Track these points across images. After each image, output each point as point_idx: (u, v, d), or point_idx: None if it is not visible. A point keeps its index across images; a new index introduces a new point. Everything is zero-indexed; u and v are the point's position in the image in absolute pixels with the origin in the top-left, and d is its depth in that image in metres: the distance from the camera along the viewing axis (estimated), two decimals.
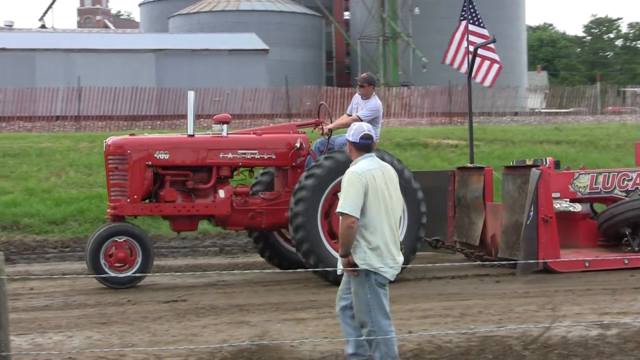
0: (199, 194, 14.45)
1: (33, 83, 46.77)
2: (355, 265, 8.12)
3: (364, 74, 14.98)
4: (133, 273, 13.84)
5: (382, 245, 8.14)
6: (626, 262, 14.64)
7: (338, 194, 8.68)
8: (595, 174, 15.41)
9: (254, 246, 15.73)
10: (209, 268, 15.79)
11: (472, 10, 17.72)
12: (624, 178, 15.45)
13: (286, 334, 10.43)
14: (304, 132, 14.97)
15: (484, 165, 16.09)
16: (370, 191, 8.08)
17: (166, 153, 14.27)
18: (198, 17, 64.75)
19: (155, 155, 14.23)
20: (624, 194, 15.31)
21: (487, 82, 17.87)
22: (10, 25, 69.96)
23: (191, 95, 14.78)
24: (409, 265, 13.45)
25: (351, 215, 7.96)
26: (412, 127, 40.72)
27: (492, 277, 14.30)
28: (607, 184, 15.34)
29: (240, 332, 10.63)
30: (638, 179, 15.49)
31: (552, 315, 11.31)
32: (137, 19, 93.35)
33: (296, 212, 13.60)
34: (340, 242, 8.18)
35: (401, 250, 8.40)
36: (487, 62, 17.54)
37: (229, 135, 14.64)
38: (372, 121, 14.20)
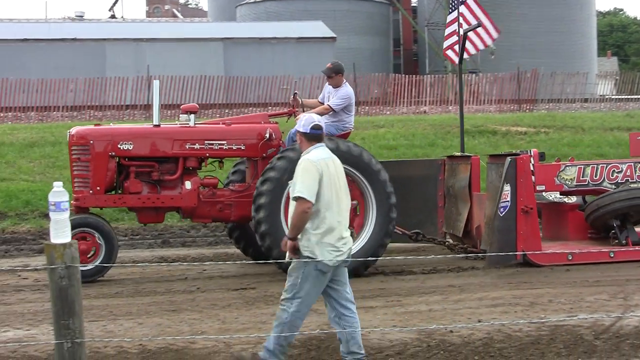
0: (165, 185, 14.20)
1: (103, 73, 47.16)
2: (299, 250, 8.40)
3: (329, 64, 14.54)
4: (96, 265, 13.65)
5: (330, 232, 8.37)
6: (612, 255, 14.24)
7: (290, 182, 8.65)
8: (582, 166, 15.00)
9: (229, 236, 15.53)
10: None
11: None
12: (614, 170, 15.01)
13: None
14: (276, 123, 14.61)
15: (471, 154, 15.69)
16: (325, 179, 8.36)
17: (130, 143, 14.03)
18: (265, 5, 64.75)
19: (118, 146, 14.01)
20: (613, 186, 14.89)
21: (493, 35, 17.97)
22: (81, 16, 70.54)
23: (156, 84, 14.60)
24: (380, 258, 13.47)
25: (308, 200, 8.22)
26: (480, 114, 40.49)
27: (562, 265, 14.06)
28: (596, 176, 14.93)
29: (309, 320, 10.51)
30: (629, 170, 15.04)
31: (624, 305, 11.15)
32: (205, 8, 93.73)
33: (258, 219, 13.32)
34: (292, 226, 8.40)
35: (352, 236, 8.73)
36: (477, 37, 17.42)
37: (196, 125, 14.39)
38: (345, 109, 14.28)
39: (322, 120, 8.86)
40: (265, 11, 63.54)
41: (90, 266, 13.58)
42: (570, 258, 14.09)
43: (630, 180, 14.97)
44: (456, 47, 17.73)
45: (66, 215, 6.44)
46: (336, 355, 9.08)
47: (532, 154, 14.68)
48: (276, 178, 13.19)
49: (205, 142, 14.11)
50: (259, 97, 45.02)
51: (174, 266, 14.52)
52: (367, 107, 44.41)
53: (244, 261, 14.95)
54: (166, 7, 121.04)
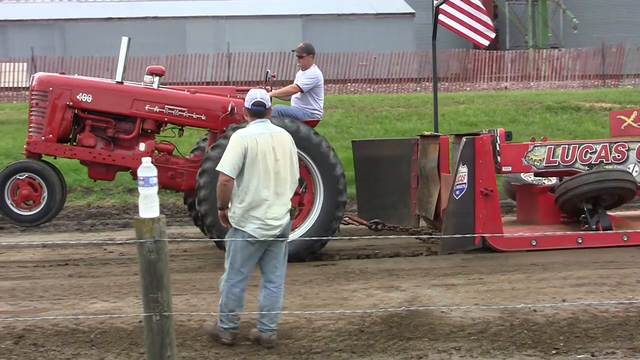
0: (119, 144, 13.96)
1: (184, 50, 47.52)
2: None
3: (301, 44, 14.44)
4: (38, 211, 13.63)
5: (254, 206, 8.61)
6: (580, 241, 13.60)
7: None
8: (553, 146, 14.25)
9: (188, 213, 15.26)
10: (356, 232, 15.59)
11: None
12: (587, 150, 14.22)
13: (436, 300, 10.36)
14: (242, 98, 14.40)
15: (440, 134, 15.09)
16: (250, 153, 8.58)
17: (89, 96, 13.79)
18: None
19: (77, 97, 13.77)
20: (586, 168, 14.18)
21: (489, 36, 16.88)
22: None
23: (124, 41, 14.36)
24: (327, 239, 13.23)
25: (225, 173, 8.55)
26: (563, 90, 40.03)
27: (525, 251, 13.57)
28: (567, 157, 14.16)
29: (390, 297, 10.60)
30: (603, 151, 14.25)
31: None
32: None
33: (201, 184, 13.03)
34: (217, 196, 8.76)
35: (292, 214, 8.98)
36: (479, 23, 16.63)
37: (159, 88, 14.14)
38: (313, 93, 14.01)
39: (267, 97, 9.02)
40: None
41: (33, 211, 13.63)
42: (535, 243, 13.54)
43: (604, 162, 14.25)
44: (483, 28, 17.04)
45: (155, 190, 6.52)
46: (417, 332, 9.08)
47: (497, 133, 14.16)
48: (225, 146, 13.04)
49: (166, 106, 13.85)
50: (337, 73, 44.98)
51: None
52: (446, 84, 44.16)
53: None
54: None
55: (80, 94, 13.76)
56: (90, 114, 13.87)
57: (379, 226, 14.74)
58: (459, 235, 12.76)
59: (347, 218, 14.78)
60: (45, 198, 13.61)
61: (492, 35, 16.82)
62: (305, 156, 13.16)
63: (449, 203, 13.16)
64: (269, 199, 8.64)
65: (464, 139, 13.36)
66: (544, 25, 59.76)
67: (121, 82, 14.04)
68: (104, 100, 13.82)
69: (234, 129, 12.46)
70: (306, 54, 14.12)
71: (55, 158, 14.12)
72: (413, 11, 54.48)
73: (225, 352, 8.66)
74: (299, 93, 13.95)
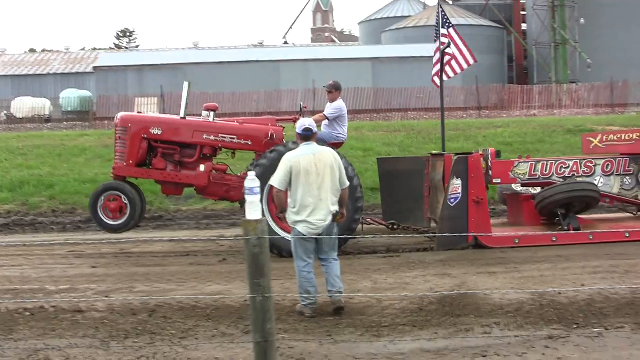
0: (184, 166, 14.11)
1: (278, 86, 47.90)
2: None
3: (330, 82, 14.19)
4: (122, 221, 13.88)
5: (302, 210, 8.93)
6: (554, 239, 13.30)
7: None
8: (534, 162, 14.14)
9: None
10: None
11: (444, 17, 16.22)
12: (561, 166, 14.14)
13: (480, 285, 10.26)
14: (282, 127, 14.20)
15: (445, 152, 14.56)
16: (294, 172, 8.92)
17: (159, 129, 14.00)
18: (405, 31, 64.60)
19: (150, 130, 14.01)
20: (561, 179, 14.01)
21: (469, 61, 16.41)
22: (261, 43, 71.65)
23: (185, 85, 14.35)
24: (351, 237, 12.97)
25: (275, 187, 9.05)
26: (580, 117, 39.52)
27: (510, 248, 13.28)
28: (546, 171, 14.06)
29: (444, 282, 10.52)
30: (575, 166, 14.16)
31: None
32: (357, 34, 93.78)
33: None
34: (275, 204, 9.49)
35: (335, 216, 9.04)
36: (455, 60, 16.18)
37: (214, 121, 14.20)
38: (338, 121, 13.90)
39: (313, 124, 9.31)
40: (405, 36, 63.45)
41: (119, 221, 13.92)
42: (517, 241, 13.30)
43: (576, 175, 14.17)
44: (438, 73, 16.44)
45: (258, 197, 6.54)
46: (465, 310, 8.97)
47: (489, 152, 14.07)
48: (265, 165, 12.97)
49: (220, 135, 13.98)
50: (400, 104, 44.95)
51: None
52: (487, 111, 43.80)
53: (391, 235, 14.82)
54: (326, 34, 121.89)
55: (153, 128, 14.04)
56: (161, 144, 14.11)
57: (395, 226, 14.57)
58: (456, 235, 12.72)
59: (369, 219, 14.78)
60: (128, 211, 13.90)
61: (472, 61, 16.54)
62: None
63: (444, 209, 13.07)
64: (312, 205, 8.92)
65: (454, 157, 13.33)
66: (564, 65, 59.39)
67: (184, 118, 14.25)
68: (171, 132, 14.07)
69: (271, 152, 13.02)
70: (334, 90, 14.01)
71: (136, 179, 14.48)
72: None
73: (312, 325, 8.65)
74: (326, 121, 13.92)
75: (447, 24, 16.13)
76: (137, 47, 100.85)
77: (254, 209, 6.30)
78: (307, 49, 65.18)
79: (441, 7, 16.38)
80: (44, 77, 63.33)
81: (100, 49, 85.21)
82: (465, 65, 16.35)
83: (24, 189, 20.51)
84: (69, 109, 48.84)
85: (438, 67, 16.43)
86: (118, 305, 9.47)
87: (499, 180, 14.11)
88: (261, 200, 12.68)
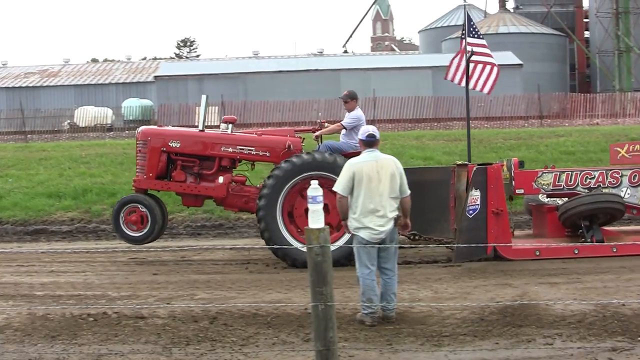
0: (203, 177, 14.16)
1: (338, 95, 47.76)
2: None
3: (345, 92, 14.09)
4: (146, 231, 14.08)
5: (364, 215, 8.96)
6: (576, 252, 13.00)
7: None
8: (558, 173, 13.84)
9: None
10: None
11: (471, 26, 15.59)
12: (587, 176, 13.79)
13: (542, 295, 10.17)
14: (300, 137, 14.11)
15: (468, 163, 14.08)
16: (357, 178, 8.97)
17: (178, 142, 14.11)
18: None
19: (169, 144, 14.12)
20: (586, 190, 13.68)
21: (486, 89, 15.76)
22: (321, 52, 71.85)
23: (203, 98, 14.53)
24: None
25: (338, 193, 9.09)
26: None
27: (531, 260, 13.07)
28: (570, 182, 13.75)
29: (505, 292, 10.45)
30: (600, 177, 13.79)
31: None
32: (417, 42, 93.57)
33: (259, 206, 13.05)
34: (338, 211, 9.33)
35: (396, 221, 9.11)
36: (486, 68, 15.56)
37: (233, 133, 14.26)
38: (356, 128, 13.52)
39: (377, 132, 9.34)
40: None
41: (143, 231, 14.13)
42: (538, 254, 13.10)
43: (602, 186, 13.82)
44: (459, 73, 15.88)
45: (321, 206, 6.59)
46: (527, 320, 8.91)
47: (512, 162, 13.93)
48: (279, 175, 13.02)
49: (238, 147, 14.00)
50: (461, 112, 44.68)
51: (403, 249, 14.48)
52: (549, 120, 43.32)
53: (449, 246, 14.74)
54: (386, 43, 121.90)
55: (172, 141, 14.19)
56: (180, 156, 14.23)
57: (416, 237, 14.54)
58: (473, 245, 12.36)
59: None
60: (149, 223, 14.11)
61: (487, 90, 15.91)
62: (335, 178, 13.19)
63: (462, 220, 12.76)
64: (374, 210, 8.97)
65: (474, 168, 13.09)
66: (628, 73, 58.54)
67: (202, 130, 14.35)
68: (189, 145, 14.20)
69: (285, 162, 13.08)
70: (350, 99, 13.87)
71: (158, 191, 14.61)
72: (521, 62, 53.89)
73: (373, 334, 8.66)
74: (344, 130, 13.83)
75: (475, 34, 15.71)
76: (197, 56, 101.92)
77: (316, 217, 6.35)
78: (367, 57, 65.23)
79: (469, 15, 15.95)
80: (106, 86, 64.32)
81: (161, 59, 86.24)
82: (485, 88, 15.82)
83: (86, 197, 20.83)
84: (131, 118, 49.51)
85: (454, 66, 16.02)
86: (179, 312, 9.57)
87: (521, 191, 13.96)
88: (275, 208, 12.98)
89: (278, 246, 12.79)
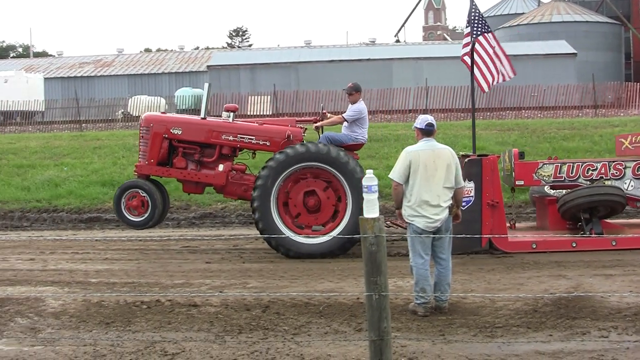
0: (204, 165, 14.31)
1: (390, 85, 47.82)
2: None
3: (350, 84, 14.05)
4: (147, 215, 14.35)
5: (419, 204, 8.92)
6: (574, 245, 12.83)
7: None
8: (559, 164, 13.58)
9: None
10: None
11: (480, 21, 14.92)
12: (589, 168, 13.52)
13: (597, 287, 10.00)
14: (301, 127, 14.18)
15: (471, 154, 13.77)
16: (413, 165, 8.94)
17: (179, 129, 14.31)
18: (518, 29, 63.63)
19: (171, 130, 14.31)
20: (588, 182, 13.42)
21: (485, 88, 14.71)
22: (373, 42, 71.60)
23: (206, 86, 14.61)
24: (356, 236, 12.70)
25: (394, 180, 9.07)
26: None
27: (528, 253, 12.90)
28: (572, 173, 13.50)
29: (558, 283, 10.33)
30: (603, 169, 13.49)
31: None
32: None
33: (253, 196, 13.09)
34: (393, 199, 9.37)
35: (450, 210, 9.07)
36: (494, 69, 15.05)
37: (234, 121, 14.28)
38: (358, 122, 13.72)
39: (434, 121, 9.32)
40: (518, 33, 62.51)
41: (145, 215, 14.40)
42: (535, 246, 12.90)
43: (604, 177, 13.55)
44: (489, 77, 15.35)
45: (376, 195, 6.57)
46: (581, 313, 8.80)
47: (512, 153, 13.72)
48: (273, 166, 13.08)
49: (238, 135, 14.11)
50: (513, 102, 44.32)
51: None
52: (603, 110, 42.67)
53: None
54: (438, 32, 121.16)
55: (173, 128, 14.39)
56: (181, 143, 14.42)
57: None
58: (467, 237, 12.06)
59: (389, 222, 14.50)
60: (150, 208, 14.35)
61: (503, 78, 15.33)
62: (337, 173, 13.18)
63: None
64: (429, 199, 8.93)
65: (465, 159, 12.93)
66: None
67: (204, 118, 14.51)
68: (190, 132, 14.37)
69: (280, 153, 13.18)
70: (355, 92, 13.93)
71: (161, 177, 14.83)
72: (575, 51, 53.20)
73: (425, 324, 8.63)
74: (345, 122, 13.86)
75: (483, 29, 15.15)
76: (249, 46, 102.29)
77: (371, 206, 6.34)
78: (419, 47, 64.85)
79: (475, 6, 15.44)
80: (159, 76, 64.79)
81: (213, 48, 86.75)
82: (503, 78, 15.23)
83: None
84: (183, 107, 49.82)
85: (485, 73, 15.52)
86: (232, 300, 9.63)
87: (522, 182, 13.78)
88: (269, 198, 13.07)
89: (271, 235, 13.01)
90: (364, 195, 6.58)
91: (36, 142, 29.03)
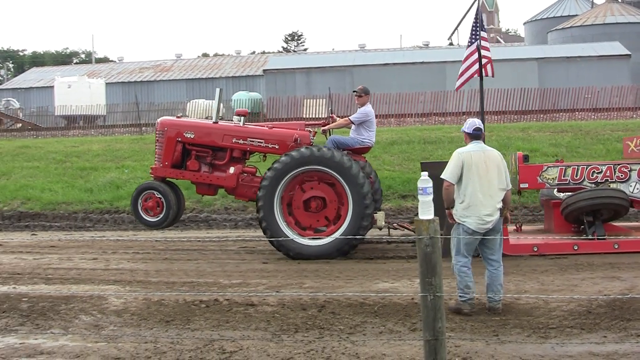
0: (216, 167, 14.47)
1: (444, 87, 47.52)
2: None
3: (360, 86, 14.05)
4: (162, 215, 14.61)
5: (471, 204, 8.95)
6: (576, 248, 12.62)
7: None
8: (564, 167, 13.30)
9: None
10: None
11: (477, 26, 15.07)
12: (594, 171, 13.22)
13: None
14: (309, 131, 14.12)
15: None
16: (466, 166, 8.97)
17: (192, 133, 14.52)
18: (571, 30, 62.80)
19: (184, 134, 14.53)
20: (592, 185, 13.11)
21: (455, 85, 15.41)
22: (427, 45, 71.36)
23: (217, 91, 14.73)
24: (362, 237, 12.97)
25: (446, 180, 9.07)
26: None
27: (529, 256, 12.80)
28: (576, 176, 13.21)
29: (613, 285, 10.22)
30: (608, 171, 13.18)
31: None
32: (522, 34, 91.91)
33: (258, 197, 13.19)
34: (443, 199, 9.17)
35: (501, 212, 9.10)
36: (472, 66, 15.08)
37: (244, 125, 14.39)
38: (365, 125, 13.66)
39: (482, 125, 9.41)
40: (571, 35, 61.70)
41: (157, 218, 14.68)
42: (536, 249, 12.75)
43: (609, 180, 13.23)
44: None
45: (430, 197, 6.57)
46: (636, 315, 8.70)
47: (517, 156, 13.49)
48: (278, 168, 13.19)
49: (248, 139, 14.24)
50: (566, 104, 43.76)
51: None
52: None
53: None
54: (491, 34, 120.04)
55: (186, 132, 14.63)
56: (194, 147, 14.63)
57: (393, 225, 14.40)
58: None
59: (396, 224, 14.52)
60: (164, 209, 14.60)
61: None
62: (339, 177, 13.18)
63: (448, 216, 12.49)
64: (482, 200, 8.95)
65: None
66: None
67: (216, 122, 14.66)
68: (202, 136, 14.59)
69: (285, 156, 13.29)
70: (364, 94, 13.97)
71: (176, 179, 15.02)
72: (629, 53, 52.44)
73: (479, 324, 8.60)
74: (353, 125, 13.91)
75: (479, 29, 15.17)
76: (305, 50, 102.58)
77: (426, 208, 6.35)
78: None
79: (479, 9, 15.46)
80: (216, 80, 65.25)
81: (269, 52, 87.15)
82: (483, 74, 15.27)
83: None
84: None
85: (466, 74, 15.48)
86: (288, 300, 9.68)
87: (526, 185, 13.58)
88: (273, 199, 13.17)
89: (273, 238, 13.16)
90: (419, 197, 6.59)
91: (98, 146, 29.45)
